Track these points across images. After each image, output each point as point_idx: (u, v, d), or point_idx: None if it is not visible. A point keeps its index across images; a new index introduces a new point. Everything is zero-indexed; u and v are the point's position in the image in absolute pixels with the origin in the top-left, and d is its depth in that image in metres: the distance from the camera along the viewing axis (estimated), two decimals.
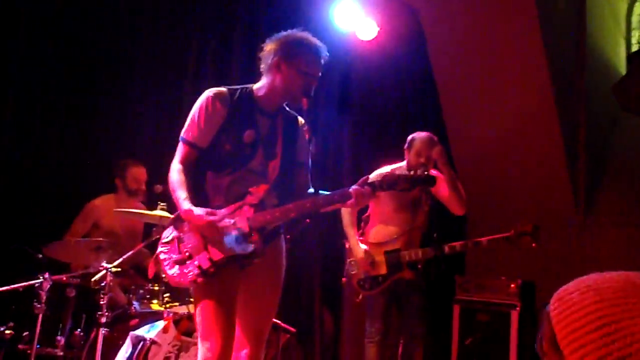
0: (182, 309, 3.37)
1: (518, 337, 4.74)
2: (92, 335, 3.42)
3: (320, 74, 2.63)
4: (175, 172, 2.58)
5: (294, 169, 2.73)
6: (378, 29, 5.49)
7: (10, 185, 4.05)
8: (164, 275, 2.63)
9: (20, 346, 3.43)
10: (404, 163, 4.09)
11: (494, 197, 6.26)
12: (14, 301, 3.58)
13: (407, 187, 2.53)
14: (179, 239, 2.57)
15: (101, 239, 3.69)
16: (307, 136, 2.66)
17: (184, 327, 3.25)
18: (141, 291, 3.75)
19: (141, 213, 3.66)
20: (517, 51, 5.90)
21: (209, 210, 2.48)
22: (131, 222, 4.28)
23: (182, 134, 2.64)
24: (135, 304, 3.57)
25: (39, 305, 3.33)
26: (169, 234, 2.62)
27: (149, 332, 3.22)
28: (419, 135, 4.06)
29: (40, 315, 3.32)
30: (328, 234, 5.41)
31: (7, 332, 3.45)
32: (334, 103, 5.74)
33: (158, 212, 3.56)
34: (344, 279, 4.38)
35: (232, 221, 2.49)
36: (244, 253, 2.48)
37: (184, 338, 3.24)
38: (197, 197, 2.54)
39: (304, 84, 2.57)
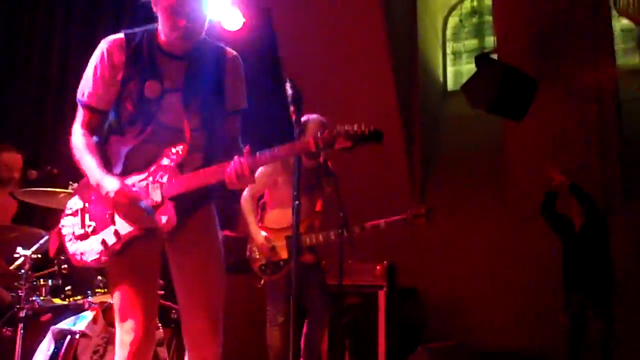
0: (108, 298, 3.11)
1: (386, 314, 5.14)
2: None
3: (195, 13, 2.20)
4: (79, 135, 2.25)
5: (220, 119, 2.34)
6: (244, 20, 5.54)
7: None
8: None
9: None
10: None
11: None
12: None
13: (347, 145, 2.17)
14: (84, 210, 2.27)
15: None
16: (238, 70, 2.36)
17: (110, 317, 3.00)
18: (27, 287, 3.35)
19: (52, 192, 3.24)
20: (366, 63, 6.39)
21: (120, 179, 2.18)
22: (0, 214, 3.80)
23: (78, 95, 2.27)
24: (37, 299, 3.19)
25: None
26: (73, 204, 2.31)
27: (75, 324, 2.92)
28: (311, 118, 4.21)
29: None
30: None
31: None
32: None
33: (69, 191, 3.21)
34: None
35: (143, 189, 2.20)
36: (154, 227, 2.19)
37: (110, 329, 2.99)
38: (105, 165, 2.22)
39: (171, 22, 2.19)
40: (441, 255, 6.47)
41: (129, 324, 2.20)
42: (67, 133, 2.32)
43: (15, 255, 2.96)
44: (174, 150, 2.21)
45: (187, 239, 2.29)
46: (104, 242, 2.20)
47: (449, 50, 7.92)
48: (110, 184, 2.14)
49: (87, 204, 2.27)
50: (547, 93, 5.62)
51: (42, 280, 3.44)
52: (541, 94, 5.46)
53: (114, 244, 2.19)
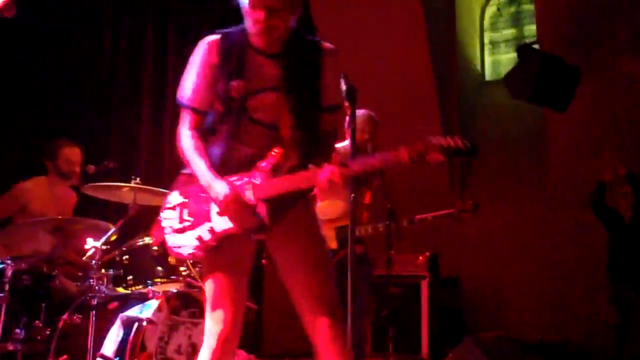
0: (171, 287, 3.24)
1: (429, 304, 5.20)
2: (61, 324, 3.14)
3: (275, 5, 2.16)
4: (187, 137, 2.31)
5: (316, 116, 2.33)
6: None
7: None
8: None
9: None
10: (346, 142, 4.27)
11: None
12: None
13: (440, 159, 2.15)
14: (183, 205, 2.36)
15: (60, 217, 3.36)
16: (335, 65, 2.29)
17: (172, 305, 3.12)
18: (91, 280, 3.49)
19: (117, 186, 3.38)
20: (404, 53, 6.41)
21: (230, 182, 2.22)
22: (64, 206, 3.96)
23: (180, 97, 2.34)
24: (103, 287, 3.32)
25: (1, 295, 2.98)
26: (173, 198, 2.40)
27: (141, 312, 3.05)
28: (359, 113, 4.24)
29: (4, 306, 2.97)
30: None
31: None
32: None
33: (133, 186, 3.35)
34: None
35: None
36: (248, 227, 2.24)
37: (174, 317, 3.12)
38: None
39: (251, 16, 2.20)
40: (483, 244, 6.47)
41: (219, 314, 2.28)
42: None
43: (86, 247, 3.08)
44: (271, 152, 2.24)
45: (287, 235, 2.32)
46: (199, 238, 2.28)
47: (486, 40, 7.88)
48: (220, 187, 2.20)
49: (186, 200, 2.35)
50: (589, 81, 5.58)
51: (103, 270, 3.58)
52: (584, 82, 5.43)
53: (208, 240, 2.28)
